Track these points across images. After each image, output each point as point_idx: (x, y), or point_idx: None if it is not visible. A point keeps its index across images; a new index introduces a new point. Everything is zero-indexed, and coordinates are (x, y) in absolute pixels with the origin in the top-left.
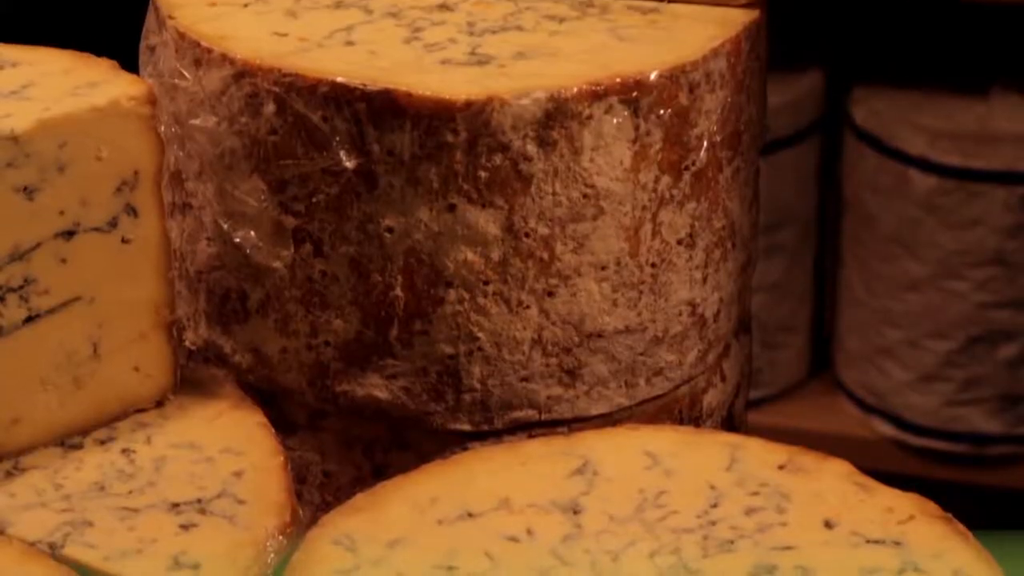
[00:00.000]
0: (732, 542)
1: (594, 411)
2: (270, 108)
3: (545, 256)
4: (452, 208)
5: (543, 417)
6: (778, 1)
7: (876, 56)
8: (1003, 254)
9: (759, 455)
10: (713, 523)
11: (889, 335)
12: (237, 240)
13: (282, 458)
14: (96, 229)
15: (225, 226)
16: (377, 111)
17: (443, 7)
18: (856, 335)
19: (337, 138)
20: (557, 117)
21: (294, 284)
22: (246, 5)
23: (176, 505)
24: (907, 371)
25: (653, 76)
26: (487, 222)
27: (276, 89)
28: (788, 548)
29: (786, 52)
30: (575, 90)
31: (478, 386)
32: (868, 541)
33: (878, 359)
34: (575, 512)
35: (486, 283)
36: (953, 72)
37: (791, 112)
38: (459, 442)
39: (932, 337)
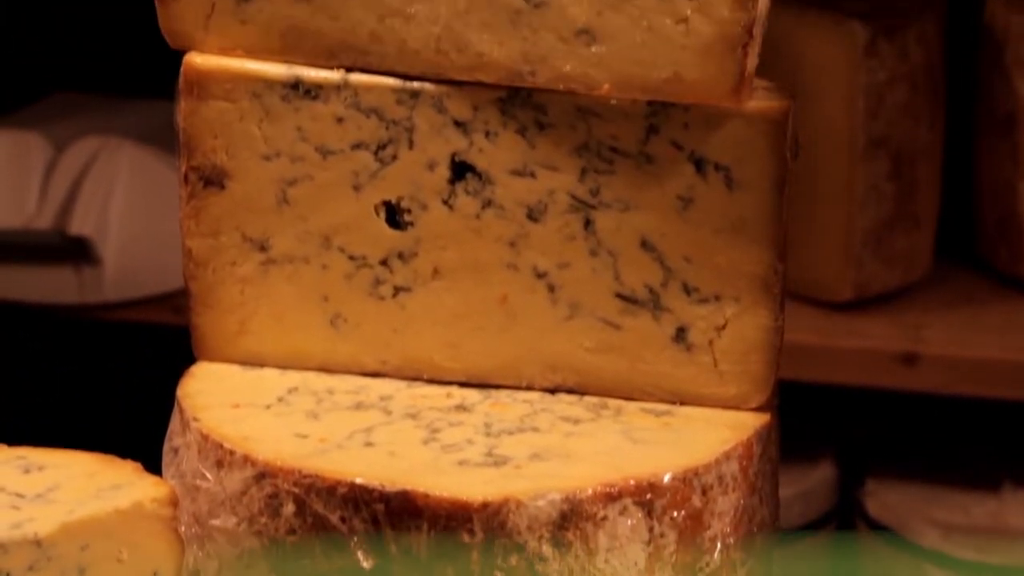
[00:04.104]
0: None
1: None
2: (289, 508)
3: None
4: None
5: None
6: (789, 394)
7: (887, 449)
8: None
9: None
10: None
11: None
12: None
13: None
14: None
15: None
16: (395, 511)
17: (460, 408)
18: None
19: (355, 539)
20: (572, 518)
21: None
22: (268, 407)
23: None
24: None
25: (666, 478)
26: None
27: (296, 490)
28: None
29: (798, 444)
30: (590, 492)
31: None
32: None
33: None
34: None
35: None
36: (964, 466)
37: (803, 503)
38: None
39: None
